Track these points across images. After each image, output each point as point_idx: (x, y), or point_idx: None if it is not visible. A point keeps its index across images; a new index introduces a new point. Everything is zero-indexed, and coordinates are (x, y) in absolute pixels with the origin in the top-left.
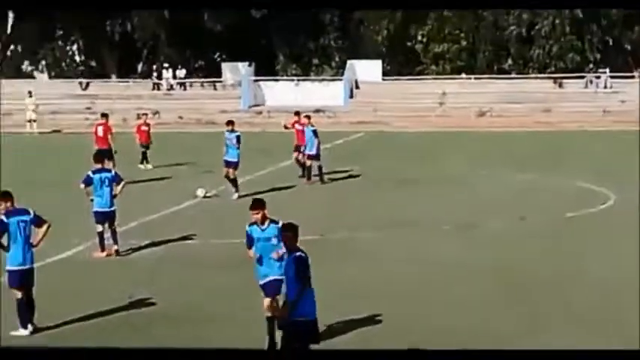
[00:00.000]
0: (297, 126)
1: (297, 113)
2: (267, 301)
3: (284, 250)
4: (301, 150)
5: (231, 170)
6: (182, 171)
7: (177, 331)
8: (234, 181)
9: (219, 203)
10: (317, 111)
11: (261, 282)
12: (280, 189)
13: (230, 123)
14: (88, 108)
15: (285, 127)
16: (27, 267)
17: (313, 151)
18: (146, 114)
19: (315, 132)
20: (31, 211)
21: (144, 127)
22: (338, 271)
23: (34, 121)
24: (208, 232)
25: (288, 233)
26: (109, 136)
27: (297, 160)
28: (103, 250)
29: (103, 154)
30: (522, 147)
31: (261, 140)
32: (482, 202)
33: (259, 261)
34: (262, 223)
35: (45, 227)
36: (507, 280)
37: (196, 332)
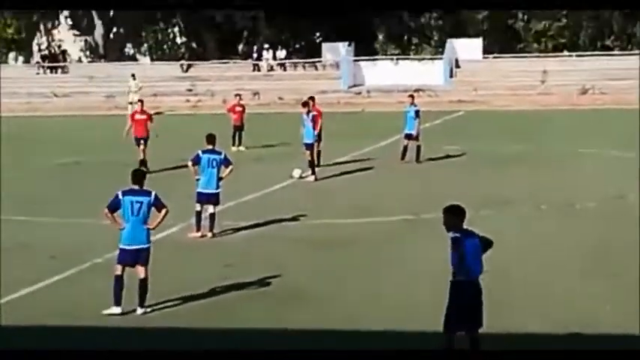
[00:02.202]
0: (237, 108)
1: (311, 100)
2: None
3: None
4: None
5: (307, 152)
6: (279, 152)
7: (272, 312)
8: (311, 163)
9: (316, 183)
10: (417, 90)
11: None
12: (376, 169)
13: (305, 104)
14: (189, 90)
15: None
16: (138, 247)
17: (413, 131)
18: (239, 95)
19: (417, 112)
20: (153, 194)
21: (238, 108)
22: (431, 251)
23: (136, 103)
24: (305, 213)
25: (444, 214)
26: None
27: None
28: (198, 230)
29: (211, 135)
30: (625, 125)
31: (360, 120)
32: (581, 181)
33: None
34: None
35: (163, 212)
36: (605, 260)
37: (293, 313)
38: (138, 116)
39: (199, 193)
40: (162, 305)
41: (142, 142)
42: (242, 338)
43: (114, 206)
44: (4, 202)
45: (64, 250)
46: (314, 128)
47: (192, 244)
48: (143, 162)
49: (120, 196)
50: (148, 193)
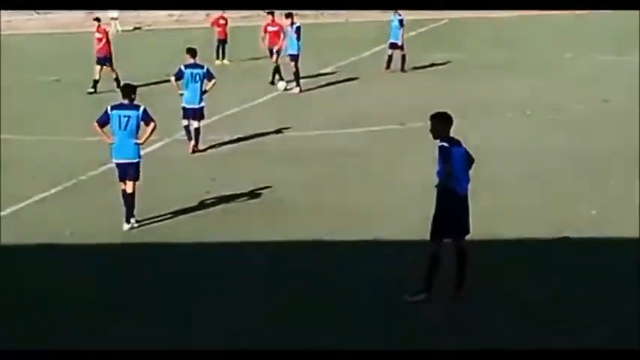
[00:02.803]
0: (269, 28)
1: (271, 13)
2: None
3: None
4: (274, 52)
5: (292, 63)
6: (264, 64)
7: (257, 224)
8: (295, 75)
9: (301, 95)
10: None
11: None
12: (361, 79)
13: (289, 15)
14: None
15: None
16: (126, 161)
17: (398, 40)
18: None
19: (401, 21)
20: (141, 108)
21: (221, 21)
22: (418, 161)
23: (116, 19)
24: (291, 125)
25: (432, 120)
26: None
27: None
28: (190, 139)
29: (192, 49)
30: (609, 28)
31: (344, 30)
32: (566, 86)
33: None
34: None
35: (151, 126)
36: (589, 163)
37: (277, 225)
38: (97, 35)
39: (184, 109)
40: (148, 220)
41: (101, 62)
42: (226, 250)
43: (103, 120)
44: None
45: (48, 169)
46: (298, 39)
47: (176, 159)
48: (95, 82)
49: (109, 111)
50: (137, 107)
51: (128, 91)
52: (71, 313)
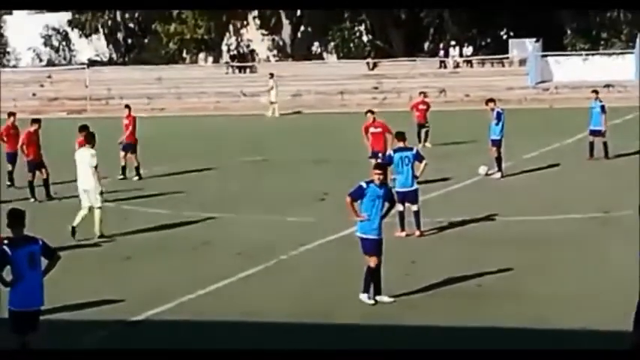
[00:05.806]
0: (371, 129)
1: (371, 112)
2: None
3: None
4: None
5: (494, 149)
6: (466, 148)
7: (453, 308)
8: (497, 160)
9: (502, 180)
10: (606, 86)
11: None
12: (564, 165)
13: (491, 101)
14: (376, 88)
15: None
16: (360, 235)
17: (601, 127)
18: (424, 92)
19: (603, 107)
20: (386, 188)
21: (421, 106)
22: (622, 250)
23: (274, 103)
24: (492, 210)
25: None
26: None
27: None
28: (403, 229)
29: (401, 133)
30: None
31: (548, 117)
32: None
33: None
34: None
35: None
36: None
37: (474, 309)
38: (125, 121)
39: (398, 193)
40: (348, 299)
41: (128, 148)
42: (418, 335)
43: (357, 196)
44: (192, 199)
45: (250, 247)
46: (498, 124)
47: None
48: (124, 168)
49: (364, 186)
50: (381, 186)
51: (378, 167)
52: None
